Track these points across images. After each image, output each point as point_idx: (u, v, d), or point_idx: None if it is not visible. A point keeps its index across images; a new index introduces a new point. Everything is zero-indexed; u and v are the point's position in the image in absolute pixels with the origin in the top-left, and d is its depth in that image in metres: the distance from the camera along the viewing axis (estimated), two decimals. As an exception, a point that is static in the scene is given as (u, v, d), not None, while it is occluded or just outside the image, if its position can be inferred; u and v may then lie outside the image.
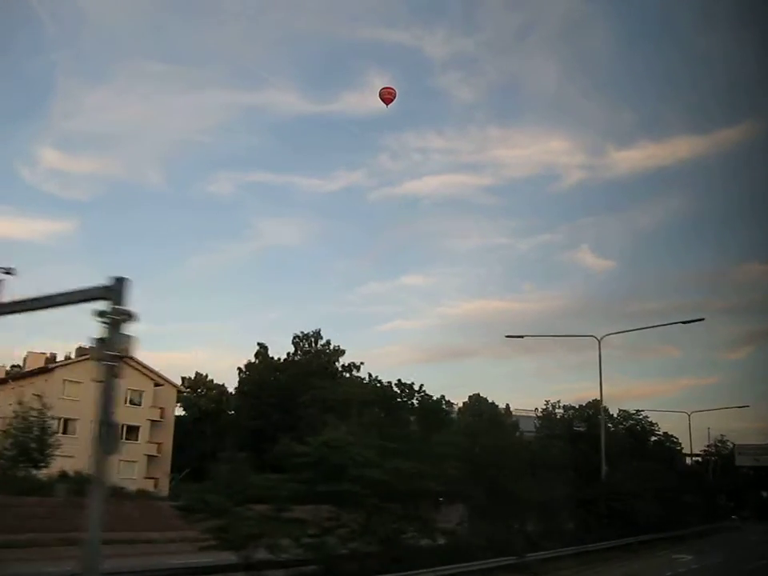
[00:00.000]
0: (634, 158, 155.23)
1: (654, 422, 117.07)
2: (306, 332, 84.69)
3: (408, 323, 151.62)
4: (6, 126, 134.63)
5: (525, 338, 49.40)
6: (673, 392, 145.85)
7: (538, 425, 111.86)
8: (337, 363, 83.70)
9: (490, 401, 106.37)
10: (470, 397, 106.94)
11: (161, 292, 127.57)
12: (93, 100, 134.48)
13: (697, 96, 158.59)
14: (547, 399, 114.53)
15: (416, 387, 71.76)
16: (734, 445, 68.83)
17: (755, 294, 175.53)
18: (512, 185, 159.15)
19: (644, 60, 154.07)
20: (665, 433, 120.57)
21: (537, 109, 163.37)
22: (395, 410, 65.24)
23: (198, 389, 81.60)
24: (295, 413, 68.64)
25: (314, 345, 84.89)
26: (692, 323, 45.32)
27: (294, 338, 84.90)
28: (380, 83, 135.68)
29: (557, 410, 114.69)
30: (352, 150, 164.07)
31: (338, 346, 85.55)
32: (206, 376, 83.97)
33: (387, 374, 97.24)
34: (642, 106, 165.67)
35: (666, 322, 49.77)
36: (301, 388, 69.96)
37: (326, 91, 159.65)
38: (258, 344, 75.33)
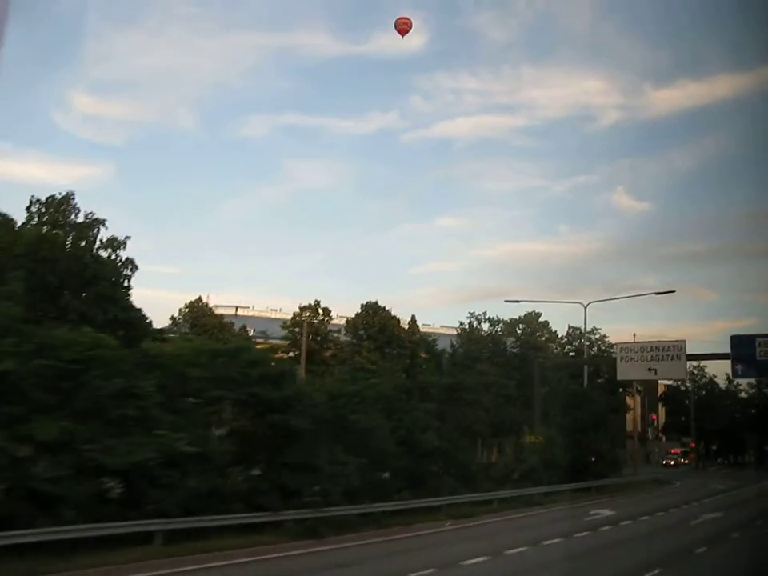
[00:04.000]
0: (672, 97, 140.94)
1: (612, 342, 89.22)
2: (51, 196, 56.99)
3: (443, 265, 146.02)
4: (39, 72, 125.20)
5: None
6: (708, 335, 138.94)
7: (456, 343, 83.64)
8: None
9: (387, 309, 77.35)
10: (362, 305, 78.46)
11: (195, 234, 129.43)
12: (125, 44, 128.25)
13: (738, 32, 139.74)
14: (471, 311, 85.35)
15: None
16: (615, 345, 39.75)
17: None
18: (547, 126, 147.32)
19: None
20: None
21: (572, 48, 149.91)
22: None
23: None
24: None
25: (63, 214, 57.02)
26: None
27: (32, 203, 56.91)
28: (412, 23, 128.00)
29: (482, 325, 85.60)
30: (384, 92, 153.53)
31: (92, 214, 57.49)
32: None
33: (422, 316, 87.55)
34: (680, 44, 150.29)
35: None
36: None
37: (357, 32, 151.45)
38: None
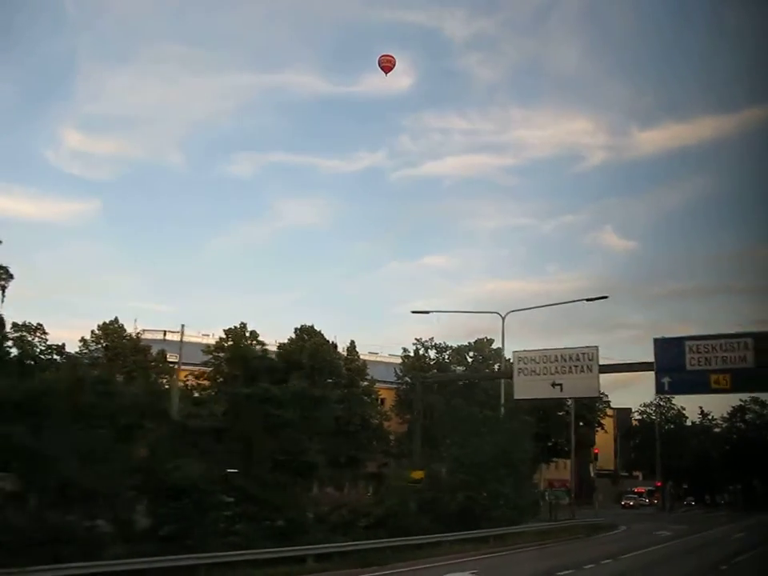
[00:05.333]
0: (657, 138, 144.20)
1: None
2: None
3: (430, 303, 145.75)
4: (29, 109, 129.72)
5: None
6: None
7: (401, 372, 75.41)
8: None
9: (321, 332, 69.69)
10: (296, 329, 70.77)
11: (182, 271, 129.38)
12: (114, 82, 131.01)
13: (721, 75, 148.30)
14: (417, 337, 77.37)
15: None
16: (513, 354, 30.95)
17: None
18: (534, 165, 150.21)
19: (667, 38, 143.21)
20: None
21: (559, 89, 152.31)
22: None
23: None
24: None
25: None
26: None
27: None
28: (400, 64, 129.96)
29: (429, 352, 77.55)
30: (372, 131, 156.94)
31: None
32: None
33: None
34: (665, 86, 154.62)
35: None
36: None
37: (345, 72, 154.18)
38: None
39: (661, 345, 25.98)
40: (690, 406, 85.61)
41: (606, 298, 35.18)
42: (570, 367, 27.52)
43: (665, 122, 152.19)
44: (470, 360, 77.99)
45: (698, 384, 24.83)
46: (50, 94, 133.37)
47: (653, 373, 25.60)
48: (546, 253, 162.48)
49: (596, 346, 27.33)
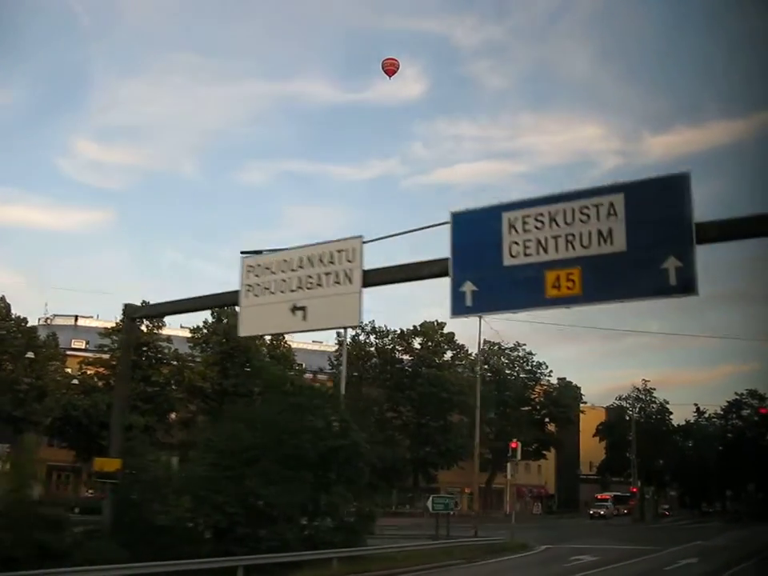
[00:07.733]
0: (669, 143, 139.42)
1: (541, 361, 68.80)
2: None
3: (439, 312, 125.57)
4: (44, 118, 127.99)
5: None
6: (713, 379, 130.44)
7: (335, 361, 63.30)
8: None
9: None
10: (213, 311, 59.07)
11: (195, 281, 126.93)
12: (128, 92, 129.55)
13: (733, 80, 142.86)
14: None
15: None
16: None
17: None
18: (546, 172, 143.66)
19: (679, 43, 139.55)
20: (561, 379, 71.47)
21: (570, 95, 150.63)
22: None
23: None
24: None
25: None
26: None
27: None
28: (411, 71, 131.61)
29: (370, 337, 65.42)
30: (384, 139, 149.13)
31: None
32: None
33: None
34: (677, 91, 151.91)
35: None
36: None
37: (356, 80, 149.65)
38: None
39: (461, 224, 13.34)
40: (678, 399, 72.56)
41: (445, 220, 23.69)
42: (320, 276, 14.93)
43: (677, 127, 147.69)
44: (417, 346, 65.49)
45: (523, 291, 11.99)
46: (64, 103, 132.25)
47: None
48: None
49: (359, 236, 14.92)
